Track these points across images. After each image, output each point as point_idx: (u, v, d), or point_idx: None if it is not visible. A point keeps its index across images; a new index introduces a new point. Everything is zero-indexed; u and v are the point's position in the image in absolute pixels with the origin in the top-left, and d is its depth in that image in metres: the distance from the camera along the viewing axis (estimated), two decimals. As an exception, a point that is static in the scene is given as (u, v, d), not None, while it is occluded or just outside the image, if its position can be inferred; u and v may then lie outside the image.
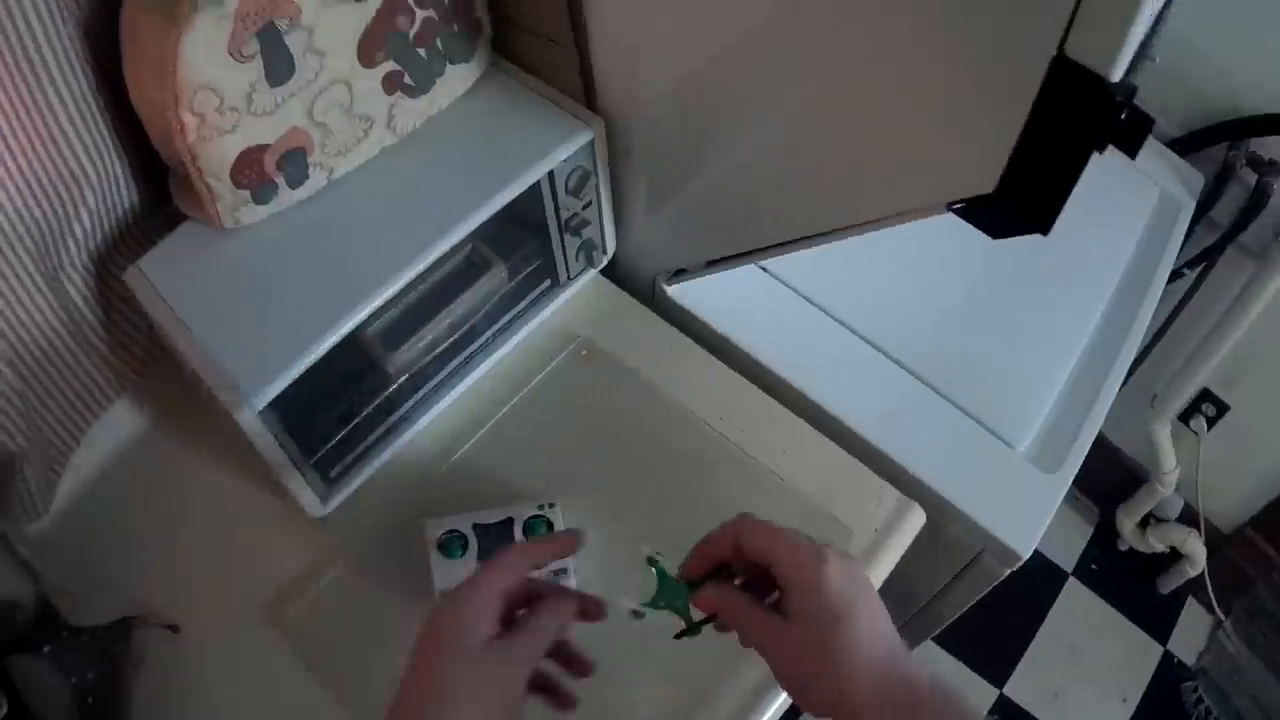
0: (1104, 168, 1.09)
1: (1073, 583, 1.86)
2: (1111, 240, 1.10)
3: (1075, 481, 1.85)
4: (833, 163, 0.72)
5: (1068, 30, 0.49)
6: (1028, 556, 0.88)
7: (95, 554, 0.86)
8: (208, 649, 0.81)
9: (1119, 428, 1.74)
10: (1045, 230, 0.58)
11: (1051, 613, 1.82)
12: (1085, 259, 1.07)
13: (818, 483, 0.86)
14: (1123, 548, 1.87)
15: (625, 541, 0.71)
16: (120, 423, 0.91)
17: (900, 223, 0.67)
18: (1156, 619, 1.83)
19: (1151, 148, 1.21)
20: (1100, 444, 1.74)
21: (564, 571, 0.79)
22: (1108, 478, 1.84)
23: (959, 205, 0.61)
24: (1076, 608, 1.83)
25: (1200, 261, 1.38)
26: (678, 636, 0.60)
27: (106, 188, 0.78)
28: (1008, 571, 0.93)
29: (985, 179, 0.58)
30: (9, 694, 0.75)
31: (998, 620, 1.74)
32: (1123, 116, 0.52)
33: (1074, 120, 0.52)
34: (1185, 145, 1.26)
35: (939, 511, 0.89)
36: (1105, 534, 1.90)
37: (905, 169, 0.66)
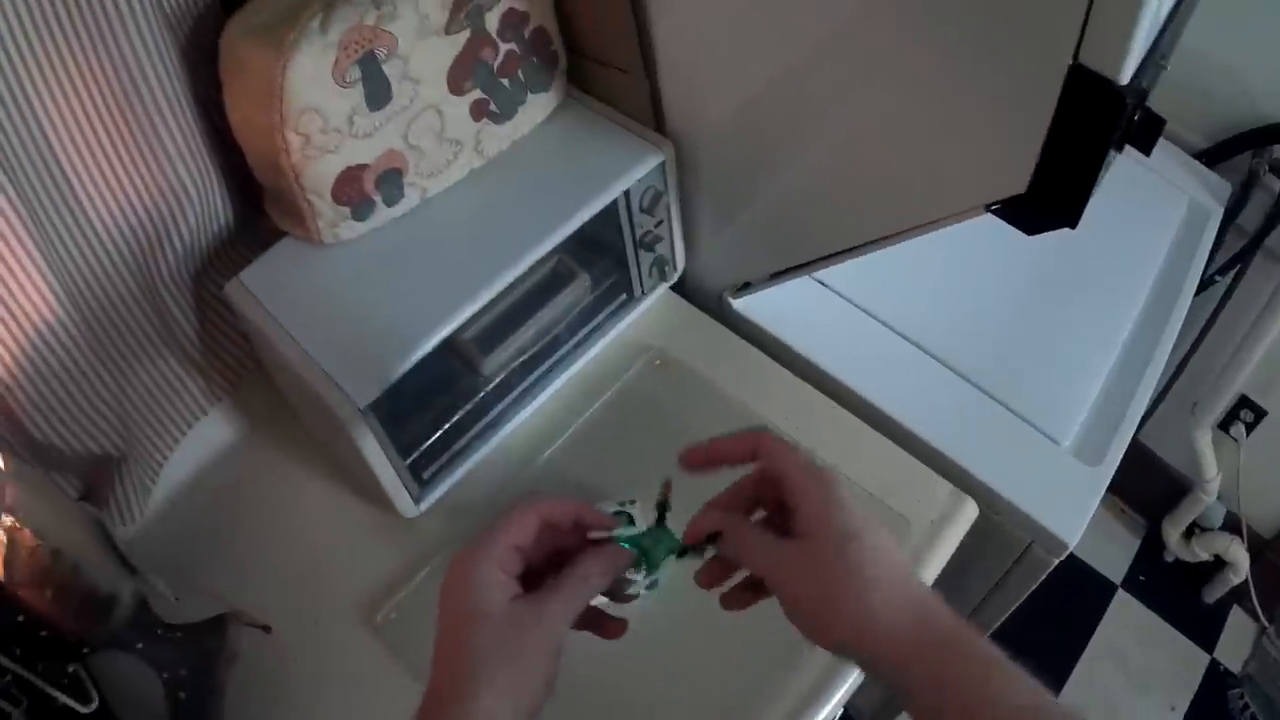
0: (1135, 181, 1.15)
1: (1121, 594, 1.87)
2: (1144, 246, 1.14)
3: (1122, 495, 1.91)
4: (883, 176, 0.77)
5: (1080, 40, 0.55)
6: (1075, 544, 0.91)
7: (189, 557, 0.90)
8: (300, 649, 0.84)
9: (1162, 438, 1.76)
10: (1073, 224, 0.63)
11: (1101, 625, 1.83)
12: (1120, 265, 1.11)
13: (876, 478, 0.89)
14: (1169, 559, 1.88)
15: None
16: (214, 432, 0.95)
17: (944, 226, 0.72)
18: (1203, 628, 1.84)
19: (1179, 159, 1.25)
20: (1145, 456, 1.80)
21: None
22: (1153, 490, 1.85)
23: (995, 206, 0.66)
24: (1126, 619, 1.84)
25: (1231, 267, 1.41)
26: (680, 556, 0.56)
27: (205, 205, 0.83)
28: (1056, 561, 0.95)
29: (1017, 181, 0.63)
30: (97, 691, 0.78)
31: (1049, 633, 1.75)
32: (1136, 118, 0.58)
33: (1091, 121, 0.57)
34: (1212, 156, 1.30)
35: (990, 504, 0.92)
36: (1152, 546, 1.91)
37: (947, 177, 0.71)
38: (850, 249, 0.83)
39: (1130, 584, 1.88)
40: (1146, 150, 0.61)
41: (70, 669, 0.75)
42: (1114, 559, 1.91)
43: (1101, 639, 1.81)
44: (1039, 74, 0.58)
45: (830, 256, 0.86)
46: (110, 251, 0.78)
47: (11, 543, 0.66)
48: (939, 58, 0.65)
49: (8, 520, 0.66)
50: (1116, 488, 1.88)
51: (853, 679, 0.82)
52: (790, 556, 0.50)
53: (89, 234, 0.76)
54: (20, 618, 0.67)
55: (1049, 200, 0.63)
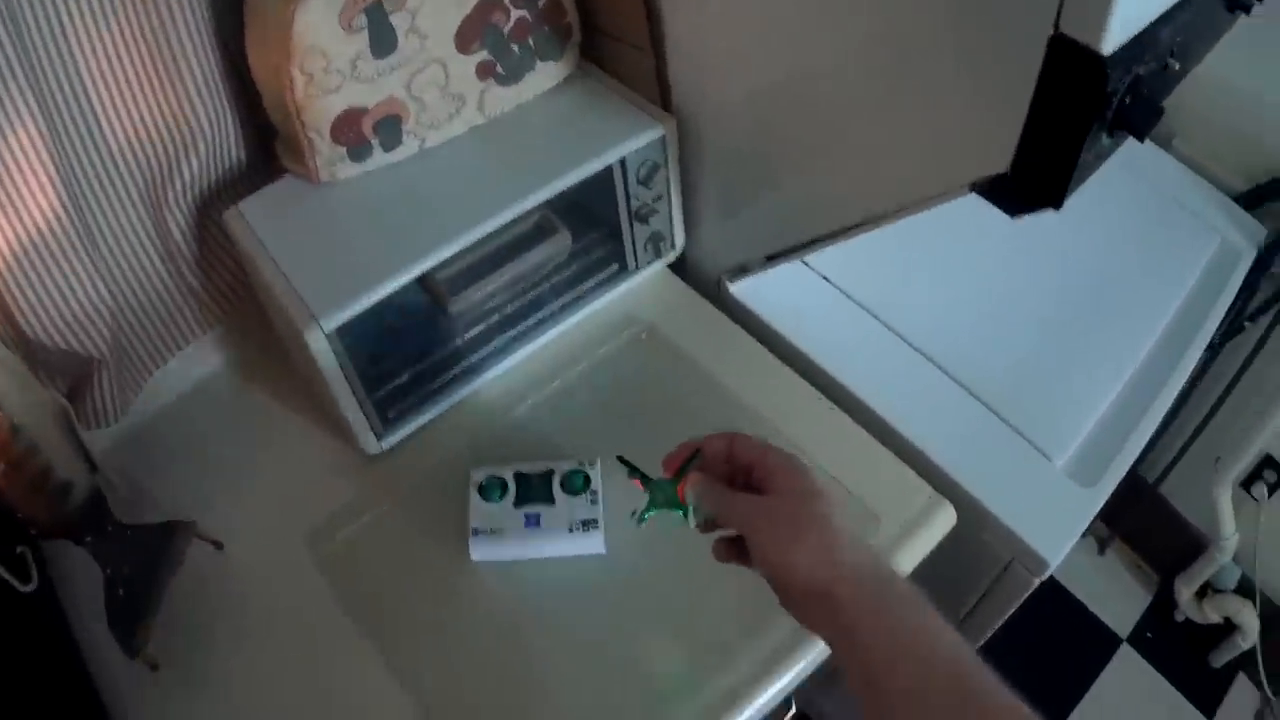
0: (1167, 216, 1.14)
1: (1125, 649, 1.81)
2: (1168, 278, 1.12)
3: (1136, 546, 1.86)
4: (873, 156, 0.77)
5: (1060, 8, 0.54)
6: (1056, 564, 0.89)
7: (155, 469, 0.93)
8: (246, 570, 0.86)
9: (1183, 491, 1.72)
10: (1057, 205, 0.61)
11: (1100, 678, 1.78)
12: (1141, 293, 1.09)
13: (854, 472, 0.88)
14: (1179, 618, 1.82)
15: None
16: (202, 357, 0.98)
17: (933, 206, 0.72)
18: (1205, 693, 1.78)
19: (1216, 199, 1.23)
20: (1163, 508, 1.76)
21: (593, 523, 0.83)
22: (1170, 545, 1.80)
23: (978, 186, 0.65)
24: (1127, 674, 1.79)
25: (1263, 312, 1.37)
26: (686, 516, 0.64)
27: (217, 141, 0.86)
28: (1037, 582, 0.93)
29: (1000, 159, 0.63)
30: (42, 574, 0.79)
31: (1048, 679, 1.74)
32: (1127, 100, 0.57)
33: (1073, 94, 0.56)
34: (1250, 199, 1.27)
35: (972, 515, 0.90)
36: (1163, 603, 1.85)
37: (933, 156, 0.71)
38: (842, 230, 0.83)
39: (1136, 639, 1.83)
40: (1140, 136, 0.59)
41: (18, 550, 0.77)
42: (1123, 612, 1.86)
43: (1100, 692, 1.77)
44: (1019, 45, 0.57)
45: (823, 239, 0.86)
46: (121, 170, 0.82)
47: (-28, 413, 0.67)
48: (923, 31, 0.64)
49: (-34, 387, 0.68)
50: (1132, 539, 1.88)
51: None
52: (762, 507, 0.58)
53: (103, 150, 0.80)
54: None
55: (1032, 180, 0.62)
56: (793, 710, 0.96)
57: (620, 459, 0.68)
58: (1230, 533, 1.62)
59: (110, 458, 0.90)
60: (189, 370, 0.98)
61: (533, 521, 0.83)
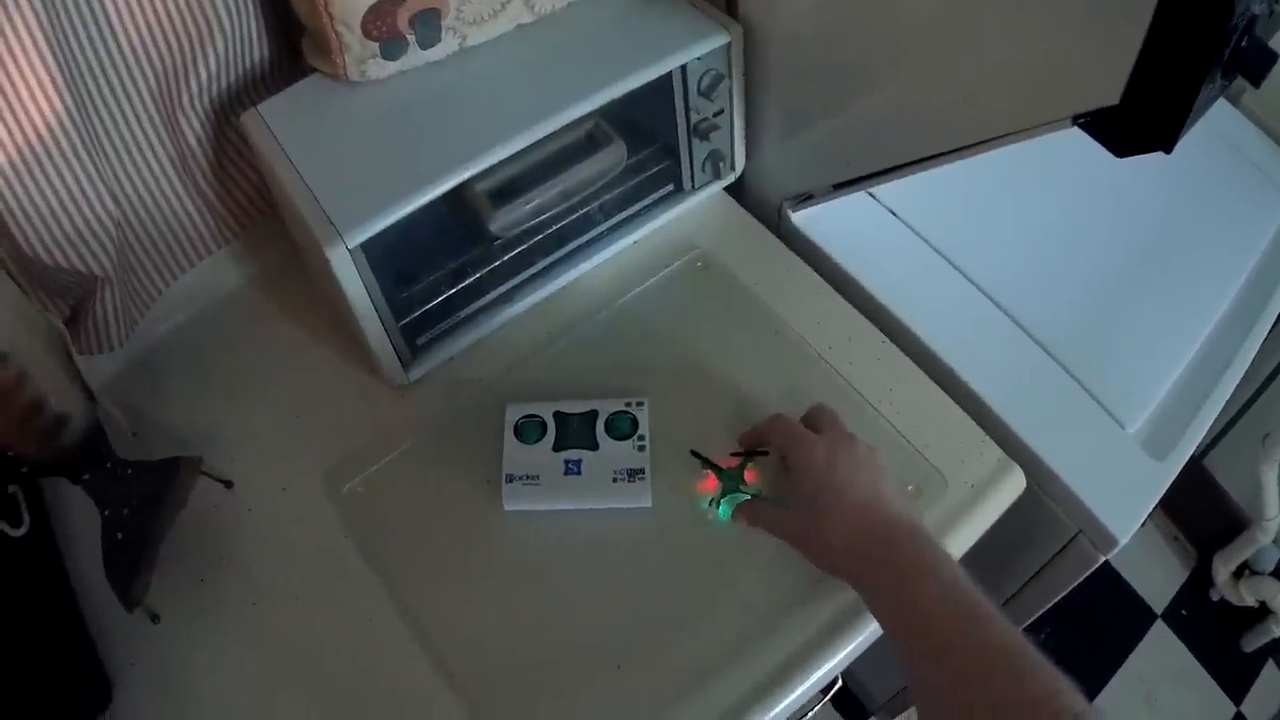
0: (1237, 176, 1.07)
1: (1160, 626, 1.80)
2: (1240, 242, 1.06)
3: (1177, 520, 1.82)
4: (966, 79, 0.71)
5: None
6: (1125, 541, 0.84)
7: (163, 399, 0.87)
8: (257, 506, 0.80)
9: (1228, 467, 1.68)
10: (1168, 148, 0.59)
11: (1134, 654, 1.77)
12: (1212, 255, 1.03)
13: (919, 428, 0.83)
14: (1215, 597, 1.80)
15: (708, 451, 0.79)
16: (215, 276, 0.92)
17: (1028, 138, 0.67)
18: (1235, 677, 1.77)
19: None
20: (1208, 485, 1.71)
21: (639, 473, 0.77)
22: (1211, 522, 1.78)
23: (1084, 119, 0.61)
24: (1160, 653, 1.78)
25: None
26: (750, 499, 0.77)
27: (237, 35, 0.79)
28: (1101, 559, 0.88)
29: (1111, 90, 0.59)
30: (36, 515, 0.75)
31: (1084, 653, 1.73)
32: (1243, 44, 0.54)
33: (1192, 29, 0.53)
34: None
35: (1039, 482, 0.85)
36: (1199, 580, 1.84)
37: (1034, 82, 0.66)
38: (920, 160, 0.77)
39: (1171, 617, 1.81)
40: (1256, 82, 0.57)
41: (9, 490, 0.72)
42: (1159, 587, 1.84)
43: (1133, 668, 1.75)
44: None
45: (897, 169, 0.79)
46: (130, 66, 0.75)
47: (-50, 337, 0.61)
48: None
49: (-52, 308, 0.61)
50: (1173, 511, 1.82)
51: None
52: (788, 516, 0.73)
53: (110, 44, 0.73)
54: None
55: (1143, 117, 0.58)
56: (839, 683, 0.90)
57: (693, 453, 0.78)
58: (1274, 514, 1.59)
59: (111, 387, 0.84)
60: (199, 291, 0.91)
61: (573, 468, 0.76)
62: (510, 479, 0.76)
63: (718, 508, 0.75)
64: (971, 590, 0.62)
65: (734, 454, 0.78)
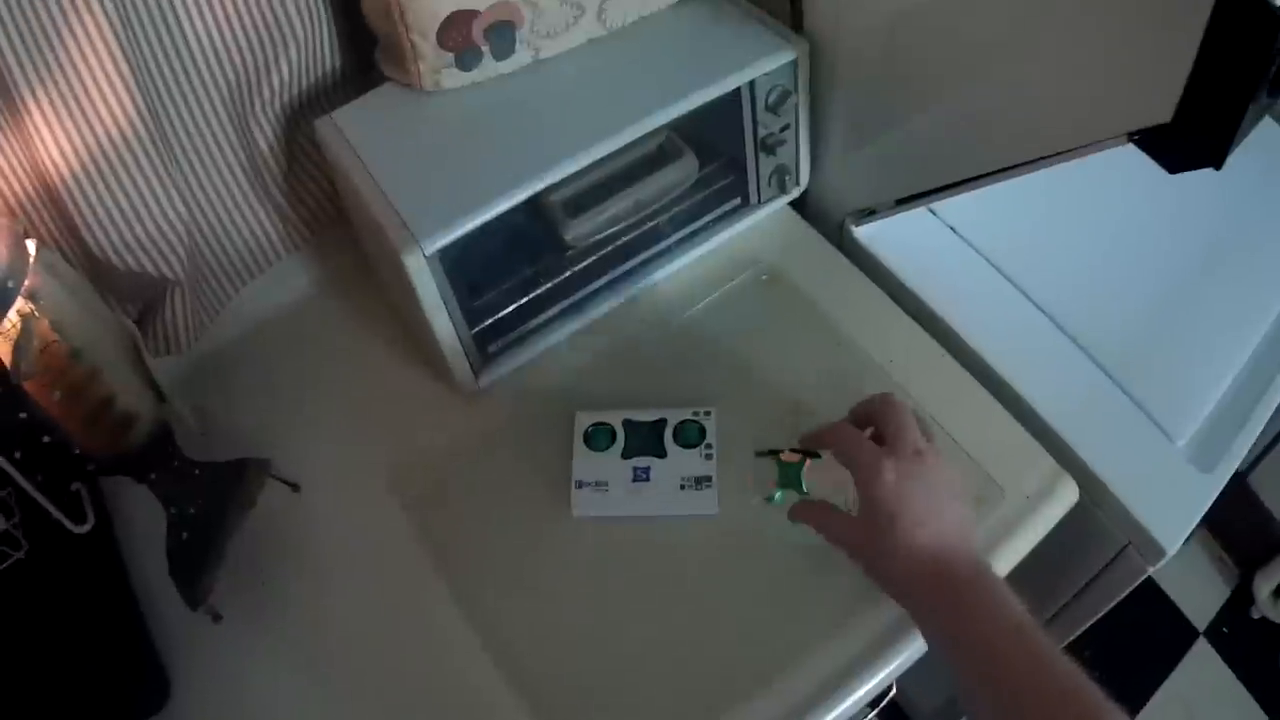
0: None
1: (1202, 644, 1.78)
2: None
3: (1221, 536, 1.80)
4: (1026, 97, 0.72)
5: None
6: (1173, 552, 0.84)
7: (231, 401, 0.87)
8: (323, 512, 0.81)
9: (1272, 486, 1.67)
10: (1219, 164, 0.59)
11: (1176, 672, 1.75)
12: (1260, 266, 1.03)
13: (976, 439, 0.83)
14: (1256, 615, 1.78)
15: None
16: (285, 281, 0.93)
17: (1085, 155, 0.68)
18: (1275, 695, 1.74)
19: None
20: (1251, 503, 1.70)
21: (707, 481, 0.78)
22: (1254, 540, 1.76)
23: (1138, 136, 0.63)
24: (1202, 670, 1.76)
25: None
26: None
27: (310, 45, 0.80)
28: (1150, 570, 0.88)
29: (1163, 108, 0.60)
30: (98, 513, 0.75)
31: (1123, 671, 1.67)
32: None
33: (1243, 46, 0.54)
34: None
35: (1089, 493, 0.85)
36: (1241, 598, 1.81)
37: (1091, 101, 0.66)
38: (981, 176, 0.78)
39: (1213, 634, 1.79)
40: None
41: (74, 487, 0.72)
42: (1202, 604, 1.82)
43: (1174, 685, 1.73)
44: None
45: (959, 185, 0.80)
46: (203, 73, 0.76)
47: (25, 330, 0.61)
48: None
49: (26, 306, 0.61)
50: (1216, 529, 1.81)
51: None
52: (850, 528, 0.70)
53: (183, 51, 0.74)
54: (23, 415, 0.62)
55: (1194, 134, 0.60)
56: (893, 691, 0.90)
57: (758, 453, 0.76)
58: (1319, 532, 1.56)
59: (180, 389, 0.84)
60: (269, 295, 0.92)
61: (642, 475, 0.77)
62: (580, 485, 0.77)
63: (776, 497, 0.74)
64: (1037, 631, 0.62)
65: (793, 449, 0.76)
